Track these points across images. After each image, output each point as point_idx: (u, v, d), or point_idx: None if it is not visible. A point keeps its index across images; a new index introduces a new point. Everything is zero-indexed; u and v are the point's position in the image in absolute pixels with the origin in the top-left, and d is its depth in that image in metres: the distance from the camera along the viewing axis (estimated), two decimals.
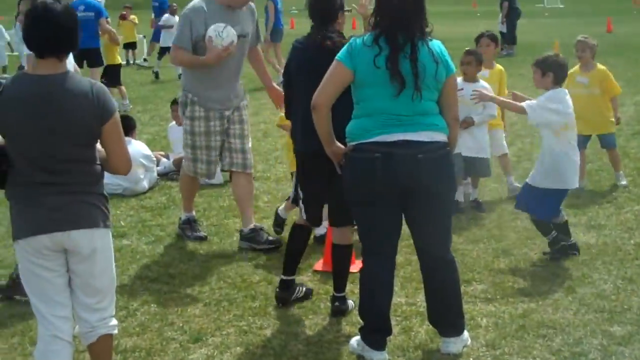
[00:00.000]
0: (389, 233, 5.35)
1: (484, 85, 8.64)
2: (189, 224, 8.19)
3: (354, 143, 5.24)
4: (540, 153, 7.31)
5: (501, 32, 26.91)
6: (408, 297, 6.50)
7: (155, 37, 25.08)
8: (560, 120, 7.06)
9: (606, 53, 23.16)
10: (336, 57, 5.20)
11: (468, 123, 8.53)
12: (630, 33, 34.09)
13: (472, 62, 8.66)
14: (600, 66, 9.87)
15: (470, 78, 8.70)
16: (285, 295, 6.40)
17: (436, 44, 5.18)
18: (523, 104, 7.13)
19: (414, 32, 5.08)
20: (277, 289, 6.45)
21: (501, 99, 7.29)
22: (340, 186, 5.59)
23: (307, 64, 5.98)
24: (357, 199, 5.33)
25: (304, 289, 6.55)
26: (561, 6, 68.10)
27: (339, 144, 5.41)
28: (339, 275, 6.23)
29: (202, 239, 8.03)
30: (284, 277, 6.41)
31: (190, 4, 7.54)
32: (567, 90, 7.23)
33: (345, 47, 5.21)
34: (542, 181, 7.18)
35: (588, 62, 9.74)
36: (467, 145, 8.60)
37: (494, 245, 7.75)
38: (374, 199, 5.20)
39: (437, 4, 75.48)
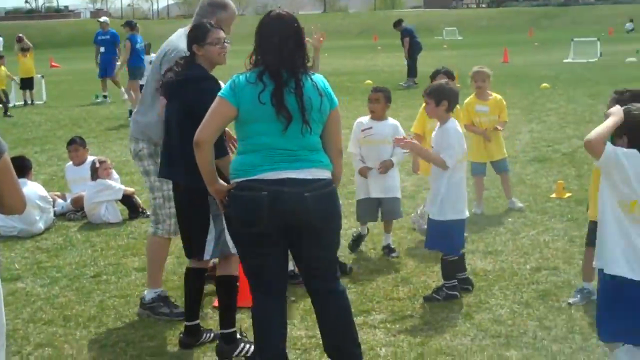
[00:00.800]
0: (277, 270, 5.29)
1: (393, 123, 8.58)
2: (162, 300, 7.00)
3: (238, 180, 5.14)
4: (436, 186, 7.17)
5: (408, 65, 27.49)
6: (308, 329, 6.46)
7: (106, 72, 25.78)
8: (461, 151, 7.06)
9: (503, 83, 23.79)
10: (219, 94, 5.16)
11: (387, 167, 8.42)
12: (526, 63, 35.00)
13: (381, 99, 8.42)
14: (496, 94, 10.14)
15: (378, 116, 8.49)
16: (190, 341, 6.25)
17: (319, 78, 5.21)
18: (444, 159, 6.93)
19: (297, 67, 5.11)
20: (182, 334, 6.31)
21: (427, 152, 7.15)
22: (196, 217, 5.93)
23: None
24: (243, 237, 5.24)
25: (212, 335, 6.35)
26: (459, 38, 69.73)
27: (222, 181, 5.33)
28: (222, 310, 6.11)
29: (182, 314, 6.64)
30: (188, 324, 6.28)
31: (175, 46, 6.66)
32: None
33: (228, 84, 5.16)
34: (447, 213, 7.09)
35: (485, 91, 10.03)
36: (377, 186, 8.47)
37: (393, 275, 7.79)
38: (261, 236, 5.13)
39: (340, 38, 76.66)
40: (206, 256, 5.99)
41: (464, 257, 7.49)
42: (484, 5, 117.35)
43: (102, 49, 25.44)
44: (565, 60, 36.48)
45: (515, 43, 52.08)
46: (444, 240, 7.15)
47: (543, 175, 12.10)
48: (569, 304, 6.88)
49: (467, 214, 7.25)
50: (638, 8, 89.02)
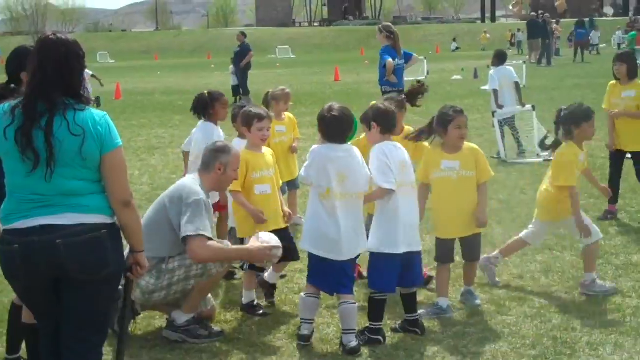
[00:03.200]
0: (52, 329, 4.80)
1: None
2: (198, 322, 6.80)
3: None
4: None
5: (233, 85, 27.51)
6: None
7: None
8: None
9: (333, 100, 24.03)
10: None
11: None
12: (357, 81, 35.61)
13: None
14: (289, 113, 10.42)
15: None
16: None
17: (91, 116, 4.53)
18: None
19: (56, 101, 4.46)
20: None
21: None
22: None
23: None
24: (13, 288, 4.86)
25: None
26: (292, 56, 70.35)
27: None
28: None
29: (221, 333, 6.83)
30: (8, 357, 6.02)
31: (195, 191, 6.55)
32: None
33: None
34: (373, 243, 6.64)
35: (281, 112, 10.17)
36: None
37: (221, 296, 7.71)
38: (27, 290, 4.71)
39: (173, 56, 75.97)
40: None
41: (414, 296, 6.80)
42: (316, 24, 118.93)
43: None
44: None
45: (347, 61, 52.94)
46: (370, 273, 6.73)
47: None
48: (419, 314, 6.93)
49: (395, 250, 6.51)
50: (461, 27, 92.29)
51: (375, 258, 6.56)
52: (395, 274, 6.51)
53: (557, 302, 7.31)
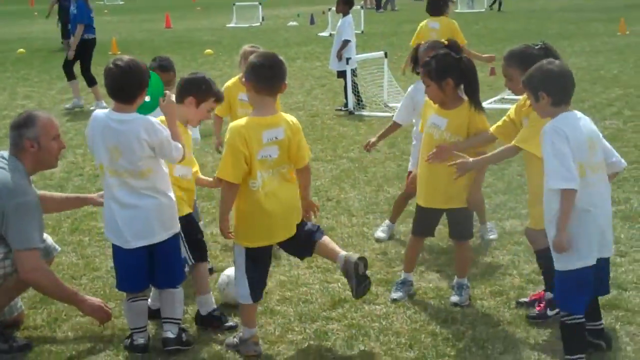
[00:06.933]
0: None
1: None
2: None
3: None
4: None
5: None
6: None
7: None
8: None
9: (165, 49, 22.81)
10: None
11: None
12: (189, 28, 34.14)
13: None
14: None
15: None
16: None
17: None
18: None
19: None
20: None
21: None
22: None
23: None
24: None
25: None
26: (121, 3, 67.63)
27: None
28: None
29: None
30: None
31: (19, 189, 5.28)
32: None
33: None
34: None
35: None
36: None
37: None
38: None
39: None
40: None
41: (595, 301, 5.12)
42: None
43: None
44: (228, 25, 35.98)
45: (177, 8, 51.09)
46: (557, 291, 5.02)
47: (209, 153, 10.94)
48: (395, 299, 5.99)
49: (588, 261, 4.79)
50: None
51: (560, 272, 4.85)
52: (589, 289, 4.84)
53: (430, 283, 6.32)
